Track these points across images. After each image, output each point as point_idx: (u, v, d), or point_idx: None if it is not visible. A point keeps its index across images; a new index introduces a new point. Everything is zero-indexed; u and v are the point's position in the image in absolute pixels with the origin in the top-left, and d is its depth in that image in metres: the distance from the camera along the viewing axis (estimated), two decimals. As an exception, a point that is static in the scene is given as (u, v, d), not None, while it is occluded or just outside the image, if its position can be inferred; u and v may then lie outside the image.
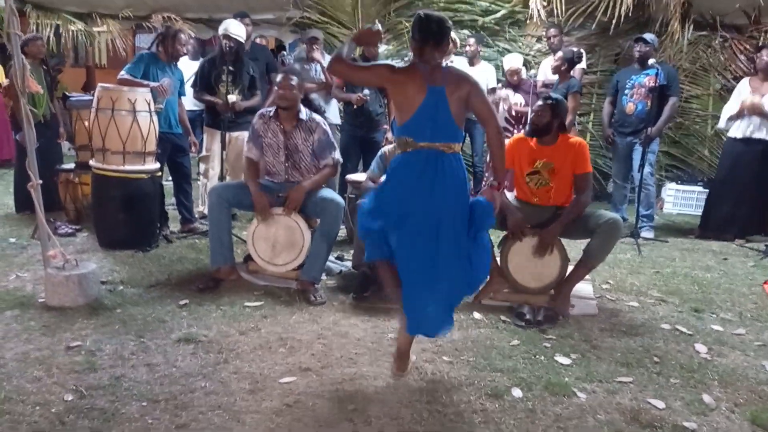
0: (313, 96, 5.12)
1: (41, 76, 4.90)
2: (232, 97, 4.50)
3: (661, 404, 2.28)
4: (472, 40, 5.76)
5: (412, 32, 2.35)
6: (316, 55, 5.30)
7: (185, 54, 4.69)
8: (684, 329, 3.03)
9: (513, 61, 5.38)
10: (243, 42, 4.64)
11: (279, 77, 3.49)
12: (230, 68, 4.51)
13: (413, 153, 2.31)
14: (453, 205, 2.31)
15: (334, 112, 5.47)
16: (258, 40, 6.31)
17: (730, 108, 4.99)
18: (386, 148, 3.97)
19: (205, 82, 4.69)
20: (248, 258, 3.64)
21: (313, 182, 3.45)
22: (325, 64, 5.35)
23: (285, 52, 6.42)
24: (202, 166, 4.98)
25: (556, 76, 5.19)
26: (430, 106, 2.26)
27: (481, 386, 2.37)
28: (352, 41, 2.42)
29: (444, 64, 2.41)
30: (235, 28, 4.59)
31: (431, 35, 2.29)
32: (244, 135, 4.70)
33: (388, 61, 2.44)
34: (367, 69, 2.55)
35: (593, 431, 2.09)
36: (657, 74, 4.76)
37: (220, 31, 4.64)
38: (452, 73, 2.34)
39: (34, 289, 3.26)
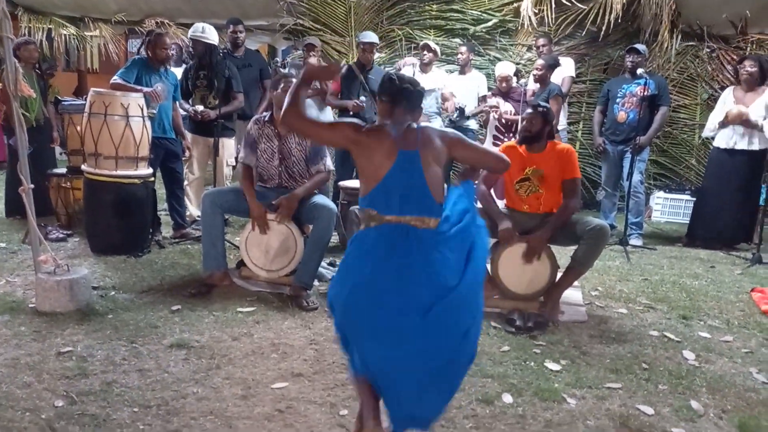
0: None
1: (33, 81, 4.89)
2: (199, 107, 4.51)
3: (649, 410, 2.31)
4: (463, 49, 5.82)
5: (380, 93, 2.06)
6: (313, 62, 5.33)
7: (171, 57, 4.69)
8: (672, 336, 3.07)
9: (504, 68, 5.44)
10: (214, 45, 4.60)
11: (281, 84, 3.47)
12: (204, 73, 4.51)
13: (376, 229, 1.92)
14: (424, 298, 1.79)
15: (329, 119, 5.49)
16: (258, 46, 6.32)
17: (715, 116, 5.07)
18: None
19: (183, 89, 4.71)
20: (241, 263, 3.64)
21: (305, 189, 3.46)
22: None
23: (287, 59, 6.43)
24: (185, 170, 4.98)
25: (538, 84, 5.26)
26: (400, 173, 1.92)
27: (472, 392, 2.38)
28: (302, 80, 2.04)
29: (418, 125, 2.03)
30: (198, 31, 4.57)
31: (405, 95, 2.02)
32: (224, 141, 4.72)
33: (354, 120, 2.06)
34: (327, 127, 2.16)
35: (583, 437, 2.11)
36: (646, 84, 4.83)
37: (189, 34, 4.65)
38: (427, 134, 2.00)
39: (25, 294, 3.24)
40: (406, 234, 1.88)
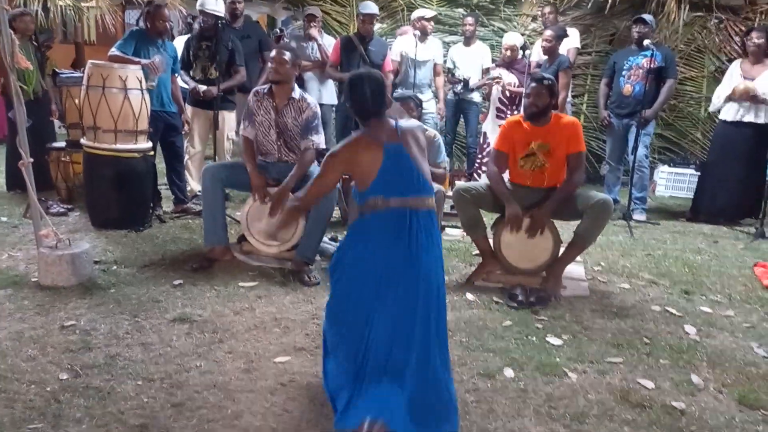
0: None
1: (30, 53, 4.82)
2: (202, 87, 4.44)
3: (650, 384, 2.32)
4: (470, 20, 5.71)
5: (345, 99, 2.16)
6: (313, 33, 5.23)
7: (170, 30, 4.60)
8: (674, 311, 3.07)
9: (512, 38, 5.35)
10: (221, 17, 4.52)
11: (272, 52, 3.43)
12: (207, 44, 4.44)
13: (383, 213, 2.03)
14: (436, 274, 2.06)
15: (330, 92, 5.42)
16: (257, 17, 6.19)
17: (722, 90, 4.99)
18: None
19: (184, 60, 4.63)
20: (242, 238, 3.64)
21: (295, 178, 3.33)
22: (322, 42, 5.30)
23: (285, 29, 6.32)
24: (185, 144, 4.93)
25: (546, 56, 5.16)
26: (391, 163, 2.04)
27: (474, 366, 2.39)
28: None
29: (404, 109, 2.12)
30: (211, 4, 4.49)
31: (369, 107, 2.11)
32: (225, 115, 4.67)
33: (331, 155, 2.11)
34: (321, 180, 2.18)
35: (584, 411, 2.13)
36: (652, 55, 4.74)
37: (197, 6, 4.57)
38: (406, 129, 2.13)
39: (27, 268, 3.25)
40: (410, 216, 2.02)
